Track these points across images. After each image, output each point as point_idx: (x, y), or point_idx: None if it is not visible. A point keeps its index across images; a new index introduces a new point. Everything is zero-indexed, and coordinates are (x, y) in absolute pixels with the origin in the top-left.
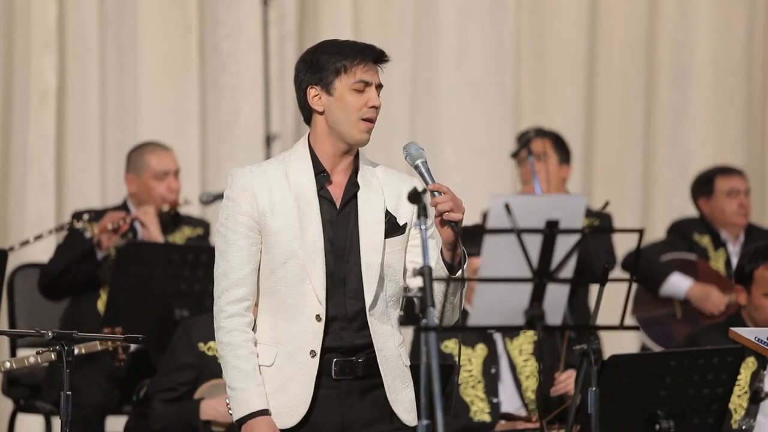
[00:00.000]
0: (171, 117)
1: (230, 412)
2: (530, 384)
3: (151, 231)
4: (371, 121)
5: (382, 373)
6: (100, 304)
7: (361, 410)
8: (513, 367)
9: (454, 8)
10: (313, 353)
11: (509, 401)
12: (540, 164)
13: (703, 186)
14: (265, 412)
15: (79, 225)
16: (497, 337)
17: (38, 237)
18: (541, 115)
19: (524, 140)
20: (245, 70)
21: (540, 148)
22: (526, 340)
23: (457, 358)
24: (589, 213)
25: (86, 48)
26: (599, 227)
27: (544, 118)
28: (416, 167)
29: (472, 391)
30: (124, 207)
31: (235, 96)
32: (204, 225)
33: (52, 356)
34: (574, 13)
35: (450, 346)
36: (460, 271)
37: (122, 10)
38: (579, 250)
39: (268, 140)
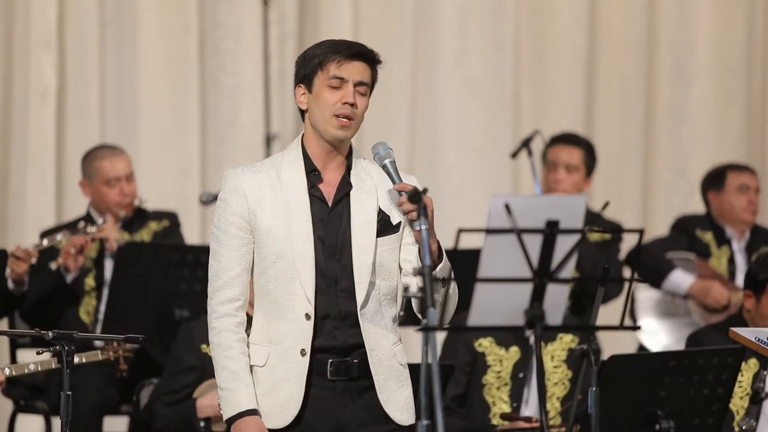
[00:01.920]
0: (171, 117)
1: (221, 411)
2: (556, 391)
3: (114, 245)
4: (347, 117)
5: (373, 373)
6: (83, 314)
7: (356, 411)
8: (541, 373)
9: (454, 8)
10: (303, 352)
11: (532, 407)
12: (568, 175)
13: (715, 180)
14: (253, 412)
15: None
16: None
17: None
18: (541, 115)
19: (524, 141)
20: (245, 70)
21: (566, 157)
22: (560, 346)
23: (488, 358)
24: (604, 223)
25: (86, 48)
26: (599, 228)
27: (544, 118)
28: (384, 167)
29: (496, 393)
30: (87, 216)
31: (234, 96)
32: (170, 216)
33: (53, 364)
34: (573, 12)
35: (484, 344)
36: (439, 269)
37: (122, 10)
38: (582, 266)
39: (268, 140)
